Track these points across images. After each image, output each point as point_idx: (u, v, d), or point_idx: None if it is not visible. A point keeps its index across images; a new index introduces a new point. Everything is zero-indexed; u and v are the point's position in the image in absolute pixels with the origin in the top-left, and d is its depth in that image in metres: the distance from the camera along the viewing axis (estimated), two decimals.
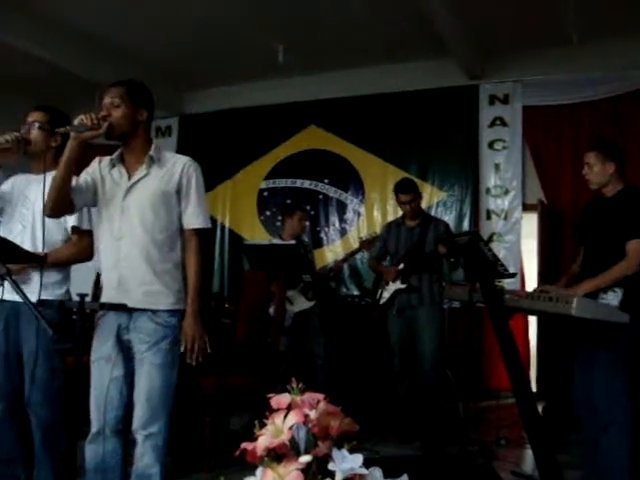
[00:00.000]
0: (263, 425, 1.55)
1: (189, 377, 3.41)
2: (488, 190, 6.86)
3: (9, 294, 2.79)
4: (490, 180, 6.85)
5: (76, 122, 2.47)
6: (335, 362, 5.38)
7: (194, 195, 2.69)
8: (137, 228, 2.61)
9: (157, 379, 2.57)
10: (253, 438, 1.56)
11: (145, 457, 2.58)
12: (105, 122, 2.54)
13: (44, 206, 2.62)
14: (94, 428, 2.62)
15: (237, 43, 6.67)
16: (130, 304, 2.56)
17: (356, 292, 7.06)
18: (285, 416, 1.51)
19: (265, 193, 7.81)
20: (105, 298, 2.66)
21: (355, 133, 7.37)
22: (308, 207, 7.22)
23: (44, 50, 6.58)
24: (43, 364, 2.83)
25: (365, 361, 5.68)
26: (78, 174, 2.69)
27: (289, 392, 1.62)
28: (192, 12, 6.06)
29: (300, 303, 5.17)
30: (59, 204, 2.58)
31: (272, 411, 1.57)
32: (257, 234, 7.66)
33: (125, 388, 2.62)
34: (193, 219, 2.69)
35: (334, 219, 7.47)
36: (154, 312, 2.59)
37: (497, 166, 6.83)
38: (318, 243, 7.39)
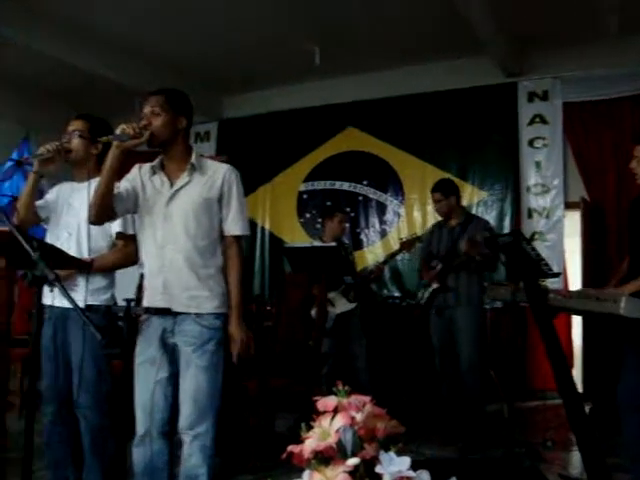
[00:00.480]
0: (309, 428, 1.56)
1: (233, 379, 3.43)
2: (529, 189, 6.78)
3: (58, 300, 2.86)
4: (531, 178, 6.77)
5: (118, 131, 2.52)
6: (377, 363, 5.37)
7: (235, 203, 2.74)
8: (180, 235, 2.65)
9: (204, 380, 2.61)
10: (299, 440, 1.56)
11: (193, 457, 2.61)
12: (146, 131, 2.58)
13: (88, 214, 2.67)
14: (141, 431, 2.67)
15: (274, 47, 6.72)
16: (175, 308, 2.61)
17: (397, 293, 7.04)
18: (332, 419, 1.51)
19: (304, 195, 7.84)
20: (149, 302, 2.69)
21: (393, 134, 7.35)
22: (348, 209, 7.20)
23: (79, 58, 6.73)
24: (91, 368, 2.88)
25: (407, 362, 5.65)
26: (118, 181, 2.73)
27: (335, 394, 1.62)
28: (228, 17, 6.12)
29: (341, 305, 5.17)
30: (102, 211, 2.63)
31: (318, 414, 1.58)
32: (297, 236, 7.70)
33: (170, 390, 2.66)
34: (233, 226, 2.74)
35: (374, 220, 7.46)
36: (199, 315, 2.63)
37: (538, 164, 6.75)
38: (358, 245, 7.39)
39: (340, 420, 1.49)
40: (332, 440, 1.46)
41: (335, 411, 1.55)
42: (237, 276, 2.73)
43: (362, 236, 7.47)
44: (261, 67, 7.25)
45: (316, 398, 1.62)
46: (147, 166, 2.79)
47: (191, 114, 2.79)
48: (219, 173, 2.73)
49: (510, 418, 4.45)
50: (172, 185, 2.70)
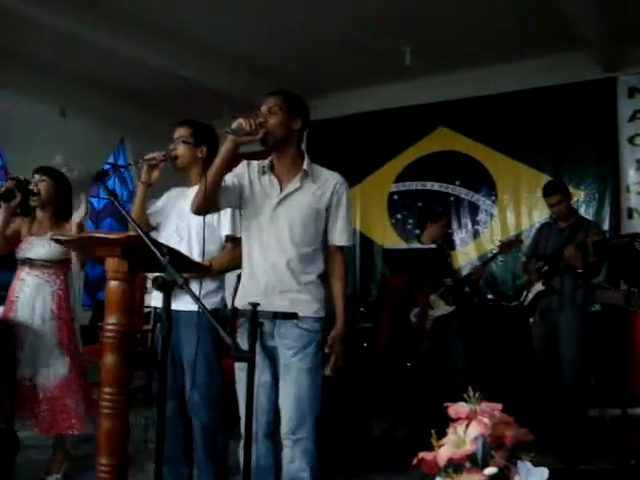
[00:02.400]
0: (440, 435, 1.55)
1: (336, 381, 3.45)
2: (628, 188, 6.53)
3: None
4: (631, 177, 6.51)
5: (234, 126, 2.53)
6: (475, 367, 5.30)
7: (342, 214, 2.75)
8: (285, 240, 2.66)
9: (305, 384, 2.61)
10: (430, 448, 1.55)
11: (296, 461, 2.62)
12: (262, 128, 2.60)
13: (192, 203, 2.70)
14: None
15: (363, 47, 6.70)
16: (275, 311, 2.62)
17: (490, 296, 6.94)
18: (466, 426, 1.50)
19: (395, 196, 7.82)
20: (245, 304, 2.65)
21: (485, 133, 7.23)
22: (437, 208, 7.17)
23: (173, 64, 6.96)
24: (203, 369, 2.95)
25: (506, 365, 5.55)
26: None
27: (465, 401, 1.61)
28: (316, 17, 6.16)
29: (440, 308, 5.12)
30: (206, 202, 2.64)
31: (450, 421, 1.57)
32: (388, 237, 7.70)
33: (272, 393, 2.68)
34: (339, 237, 2.76)
35: (466, 221, 7.36)
36: (299, 318, 2.63)
37: (639, 162, 6.50)
38: (450, 246, 7.27)
39: (475, 428, 1.48)
40: (469, 449, 1.45)
41: (468, 418, 1.54)
42: (342, 286, 2.76)
43: (454, 237, 7.39)
44: (351, 68, 7.25)
45: (447, 404, 1.61)
46: (255, 164, 2.80)
47: (307, 117, 2.80)
48: (330, 183, 2.74)
49: (615, 426, 4.27)
50: (282, 188, 2.71)
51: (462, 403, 1.59)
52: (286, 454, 2.63)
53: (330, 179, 2.76)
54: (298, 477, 2.61)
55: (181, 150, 3.16)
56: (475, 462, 1.48)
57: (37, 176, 3.77)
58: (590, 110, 6.71)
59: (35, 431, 3.67)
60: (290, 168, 2.74)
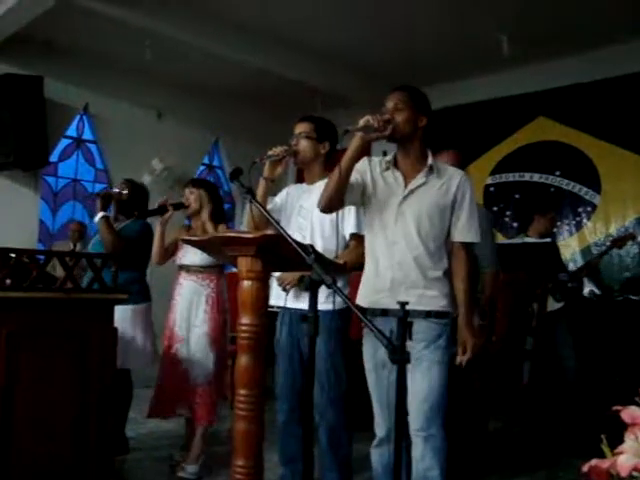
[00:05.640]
0: (616, 443, 1.46)
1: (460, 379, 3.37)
2: None
3: (290, 301, 2.95)
4: None
5: (362, 123, 2.51)
6: (584, 363, 5.12)
7: (467, 209, 2.69)
8: (413, 235, 2.63)
9: (435, 377, 2.58)
10: (601, 455, 1.47)
11: (426, 459, 2.58)
12: (389, 125, 2.57)
13: (319, 201, 2.68)
14: (380, 433, 2.69)
15: (460, 38, 6.59)
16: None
17: (596, 290, 6.68)
18: None
19: (491, 188, 7.63)
20: (370, 302, 2.68)
21: (588, 122, 6.93)
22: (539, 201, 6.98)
23: (268, 62, 7.01)
24: (328, 368, 2.93)
25: (618, 362, 5.35)
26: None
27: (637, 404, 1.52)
28: (411, 10, 6.08)
29: (550, 304, 4.96)
30: (334, 200, 2.64)
31: (627, 426, 1.48)
32: None
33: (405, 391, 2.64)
34: (464, 233, 2.70)
35: (567, 213, 7.09)
36: (428, 312, 2.60)
37: None
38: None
39: None
40: None
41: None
42: (467, 282, 2.70)
43: (555, 229, 7.16)
44: (447, 60, 7.13)
45: (617, 408, 1.52)
46: (377, 160, 2.78)
47: (431, 114, 2.76)
48: (455, 179, 2.70)
49: None
50: (406, 184, 2.68)
51: (633, 407, 1.50)
52: (416, 451, 2.60)
53: (454, 175, 2.72)
54: (428, 475, 2.57)
55: (303, 145, 3.17)
56: None
57: (187, 190, 4.07)
58: None
59: (188, 418, 4.01)
60: (415, 164, 2.72)
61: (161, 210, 4.00)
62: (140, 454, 4.30)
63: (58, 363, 3.01)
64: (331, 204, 2.66)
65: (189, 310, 3.93)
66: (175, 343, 3.94)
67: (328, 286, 1.91)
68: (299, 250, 1.94)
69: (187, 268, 3.98)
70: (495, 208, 7.55)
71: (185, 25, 6.28)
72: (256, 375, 2.22)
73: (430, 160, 2.71)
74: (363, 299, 2.72)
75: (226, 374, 4.14)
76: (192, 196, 4.04)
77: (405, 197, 2.66)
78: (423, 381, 2.57)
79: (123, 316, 3.84)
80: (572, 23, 6.26)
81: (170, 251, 4.07)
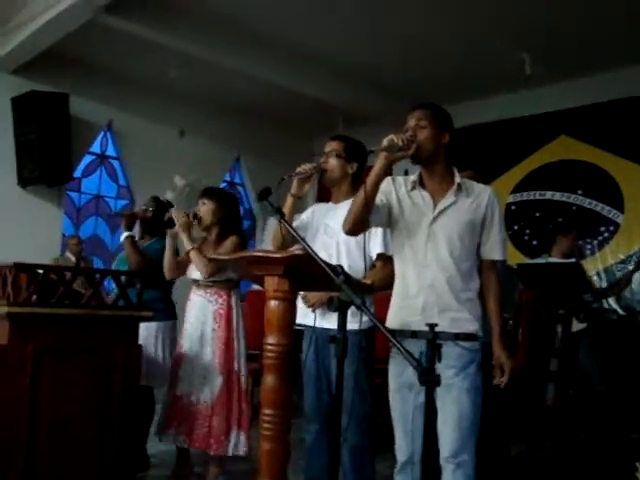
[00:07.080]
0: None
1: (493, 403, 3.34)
2: None
3: (318, 321, 2.94)
4: None
5: (386, 143, 2.47)
6: (610, 386, 5.06)
7: (496, 227, 2.65)
8: (445, 256, 2.58)
9: (467, 404, 2.53)
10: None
11: None
12: (413, 143, 2.55)
13: (344, 223, 2.65)
14: (402, 458, 2.63)
15: (482, 57, 6.61)
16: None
17: (620, 311, 6.61)
18: None
19: (512, 207, 7.61)
20: (400, 324, 2.64)
21: (611, 140, 6.91)
22: (560, 219, 6.94)
23: (289, 80, 7.09)
24: (353, 389, 2.91)
25: None
26: None
27: None
28: (429, 29, 6.13)
29: (573, 324, 4.91)
30: (359, 221, 2.60)
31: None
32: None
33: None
34: (494, 251, 2.65)
35: (590, 231, 7.02)
36: (459, 337, 2.55)
37: None
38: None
39: None
40: None
41: None
42: (498, 301, 2.64)
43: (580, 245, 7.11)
44: (469, 80, 7.17)
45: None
46: (401, 179, 2.75)
47: (453, 131, 2.72)
48: (483, 196, 2.66)
49: None
50: (435, 204, 2.64)
51: None
52: (446, 478, 2.54)
53: (483, 192, 2.68)
54: None
55: (332, 164, 3.16)
56: None
57: (200, 200, 3.96)
58: None
59: (186, 444, 3.82)
60: (441, 183, 2.67)
61: (170, 223, 3.88)
62: (161, 471, 4.29)
63: (82, 379, 3.03)
64: (356, 226, 2.63)
65: (197, 327, 3.83)
66: (182, 363, 3.86)
67: (358, 307, 1.90)
68: (328, 271, 1.94)
69: (197, 283, 3.88)
70: (516, 227, 7.52)
71: (209, 44, 6.35)
72: (281, 395, 2.22)
73: (458, 178, 2.67)
74: (392, 320, 2.68)
75: (242, 399, 3.85)
76: (204, 207, 3.92)
77: (435, 218, 2.62)
78: (454, 407, 2.52)
79: (148, 333, 3.85)
80: (594, 42, 6.28)
81: (184, 265, 3.94)
